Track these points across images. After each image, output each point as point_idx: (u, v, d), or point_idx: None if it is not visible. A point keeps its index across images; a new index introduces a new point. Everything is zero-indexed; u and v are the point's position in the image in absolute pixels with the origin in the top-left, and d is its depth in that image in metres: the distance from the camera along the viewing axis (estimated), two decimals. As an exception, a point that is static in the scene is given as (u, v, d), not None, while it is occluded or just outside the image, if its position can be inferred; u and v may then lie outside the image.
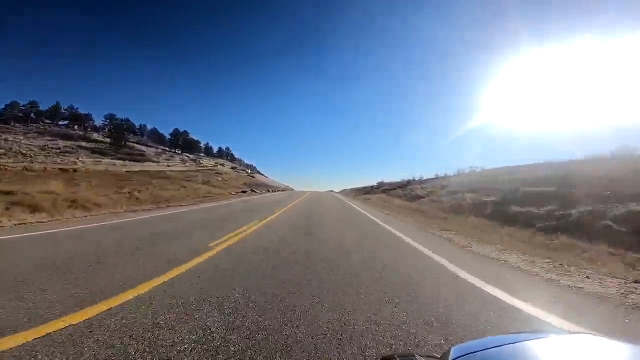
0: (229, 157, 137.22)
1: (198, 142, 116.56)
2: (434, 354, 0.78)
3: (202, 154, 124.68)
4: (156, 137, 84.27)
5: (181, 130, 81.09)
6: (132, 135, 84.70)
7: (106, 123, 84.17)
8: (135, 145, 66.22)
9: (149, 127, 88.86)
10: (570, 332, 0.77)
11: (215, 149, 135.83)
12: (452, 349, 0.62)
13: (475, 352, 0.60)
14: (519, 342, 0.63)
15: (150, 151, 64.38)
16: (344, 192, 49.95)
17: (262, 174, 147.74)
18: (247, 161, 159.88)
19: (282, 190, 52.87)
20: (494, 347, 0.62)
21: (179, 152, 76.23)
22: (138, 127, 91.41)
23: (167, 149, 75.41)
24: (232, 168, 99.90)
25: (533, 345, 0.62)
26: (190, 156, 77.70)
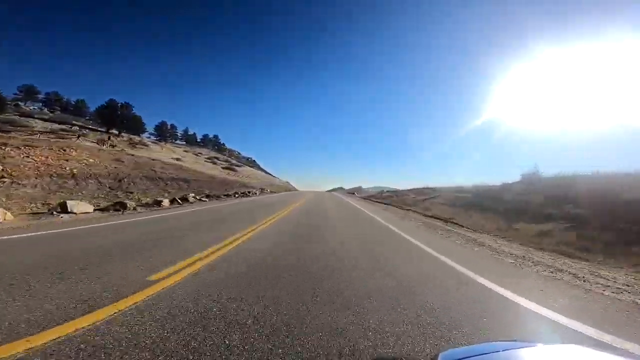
0: (216, 147, 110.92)
1: (150, 124, 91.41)
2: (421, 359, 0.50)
3: (181, 141, 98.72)
4: (104, 118, 59.03)
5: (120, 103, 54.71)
6: (59, 112, 58.94)
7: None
8: (22, 119, 41.14)
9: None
10: (559, 343, 0.69)
11: (201, 137, 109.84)
12: (440, 355, 0.62)
13: (461, 359, 0.59)
14: (506, 350, 0.63)
15: (42, 126, 39.27)
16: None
17: (263, 170, 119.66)
18: (244, 154, 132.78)
19: (251, 193, 25.58)
20: (481, 354, 0.61)
21: (116, 131, 50.96)
22: (74, 102, 65.56)
23: (94, 128, 50.20)
24: (209, 158, 73.25)
25: (521, 355, 0.62)
26: (136, 138, 52.38)
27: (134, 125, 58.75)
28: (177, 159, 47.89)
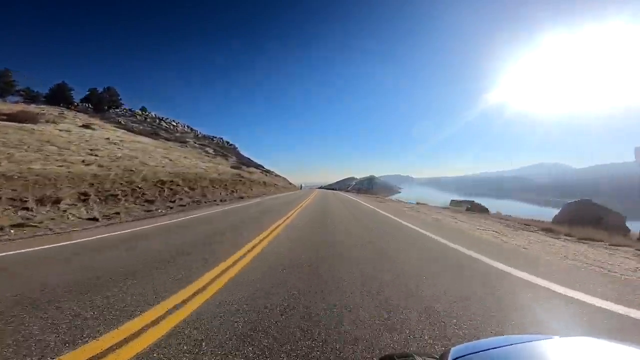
0: (129, 111, 73.10)
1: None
2: (433, 355, 0.71)
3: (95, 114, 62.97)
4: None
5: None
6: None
7: None
8: None
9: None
10: (572, 336, 0.68)
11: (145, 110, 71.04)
12: (452, 349, 0.61)
13: (474, 353, 0.58)
14: (519, 343, 0.62)
15: None
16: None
17: (257, 164, 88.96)
18: (212, 135, 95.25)
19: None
20: (493, 348, 0.60)
21: None
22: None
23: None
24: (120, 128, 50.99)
25: (534, 347, 0.61)
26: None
27: None
28: None
